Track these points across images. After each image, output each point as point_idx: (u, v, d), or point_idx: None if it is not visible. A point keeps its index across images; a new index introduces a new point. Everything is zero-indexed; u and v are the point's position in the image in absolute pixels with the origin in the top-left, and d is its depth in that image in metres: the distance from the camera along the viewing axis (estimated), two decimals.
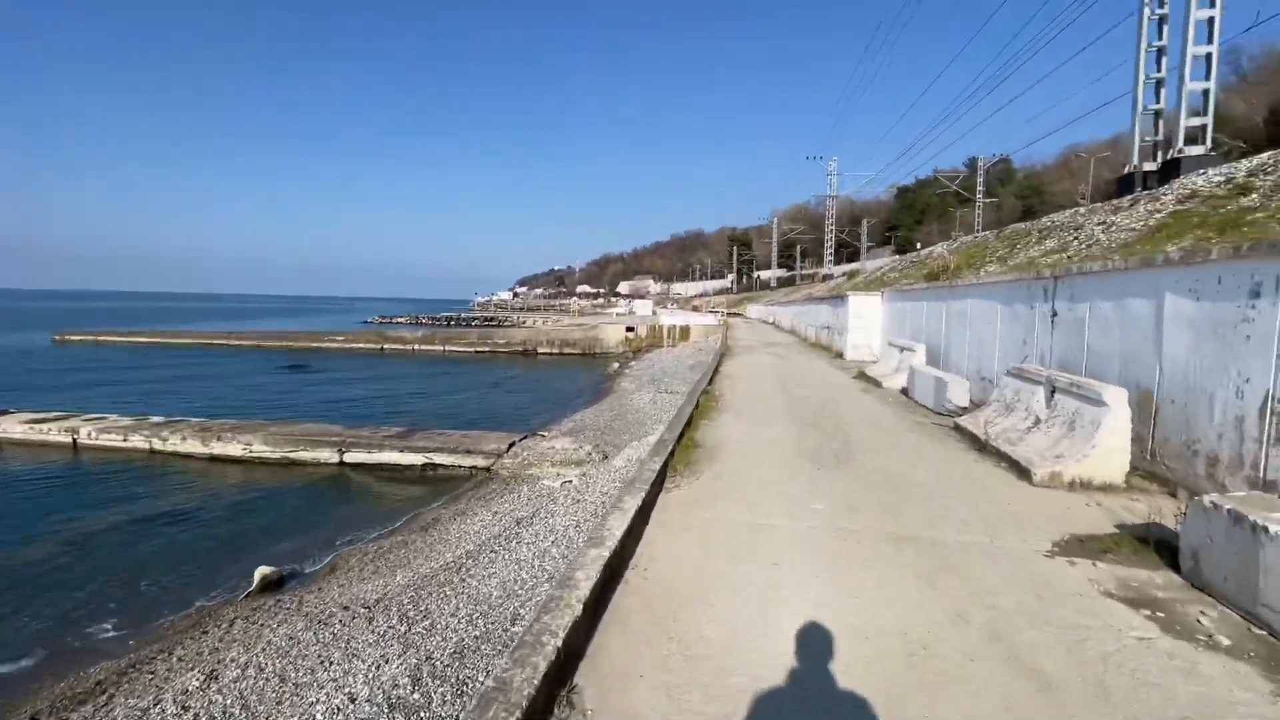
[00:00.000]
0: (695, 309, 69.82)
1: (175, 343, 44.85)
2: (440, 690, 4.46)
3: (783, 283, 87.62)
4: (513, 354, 40.32)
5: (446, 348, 41.86)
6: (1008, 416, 7.42)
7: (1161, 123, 17.77)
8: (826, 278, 61.00)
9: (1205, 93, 16.32)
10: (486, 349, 41.30)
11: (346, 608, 6.37)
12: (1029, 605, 3.48)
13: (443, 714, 4.19)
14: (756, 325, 45.87)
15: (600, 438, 13.47)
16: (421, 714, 4.23)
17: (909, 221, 75.73)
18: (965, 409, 9.22)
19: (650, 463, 6.00)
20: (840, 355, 18.79)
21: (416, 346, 42.42)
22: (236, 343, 44.24)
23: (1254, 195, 9.99)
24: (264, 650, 5.69)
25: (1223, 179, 11.68)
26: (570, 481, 10.07)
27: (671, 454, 6.69)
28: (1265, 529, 3.16)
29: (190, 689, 5.24)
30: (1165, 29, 17.45)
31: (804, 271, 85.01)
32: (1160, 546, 4.14)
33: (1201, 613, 3.36)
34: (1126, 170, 18.20)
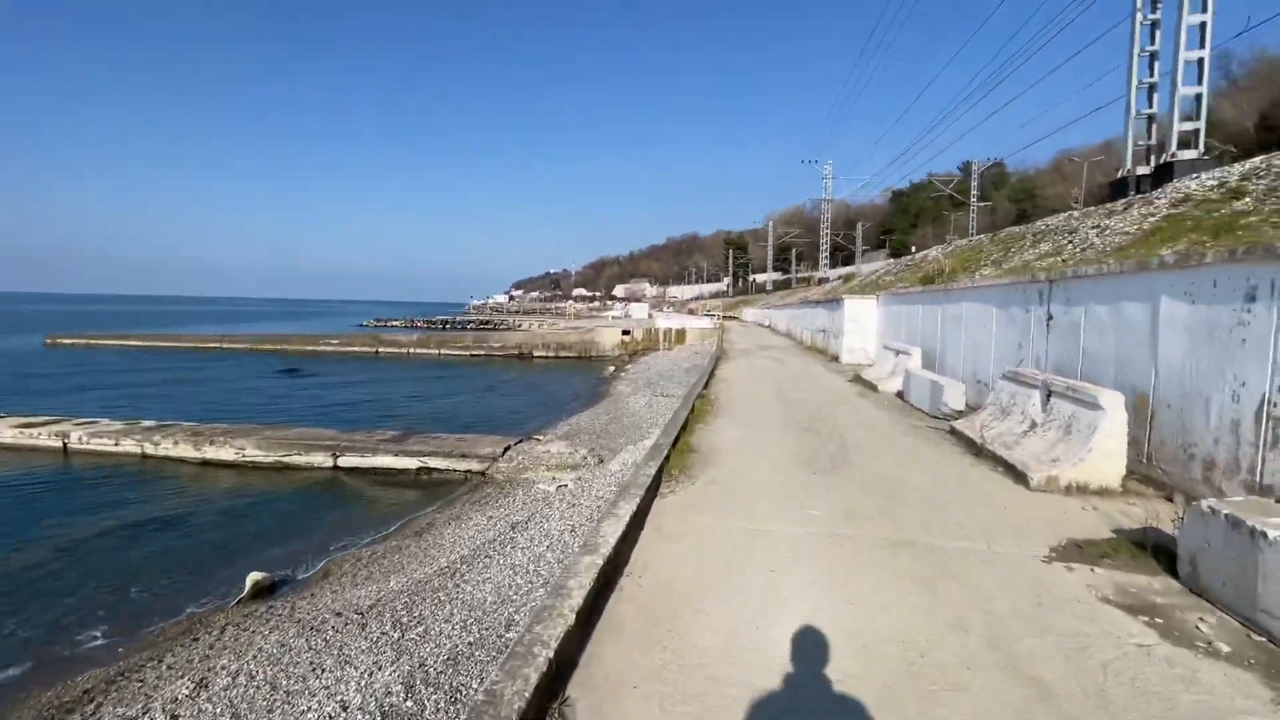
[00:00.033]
0: (691, 312, 69.85)
1: (168, 346, 44.58)
2: (434, 698, 4.41)
3: (778, 286, 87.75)
4: (508, 357, 40.23)
5: (442, 351, 41.74)
6: (1003, 420, 7.41)
7: (1154, 127, 17.86)
8: (822, 281, 61.13)
9: (1198, 97, 16.40)
10: (482, 352, 41.20)
11: (339, 614, 6.31)
12: (1027, 612, 3.45)
13: None
14: (752, 328, 45.89)
15: (596, 441, 13.42)
16: None
17: (904, 225, 76.02)
18: (961, 413, 9.21)
19: (645, 468, 5.97)
20: (836, 359, 18.79)
21: (411, 350, 42.28)
22: (230, 346, 43.99)
23: (1247, 199, 10.02)
24: (255, 658, 5.63)
25: (1216, 183, 11.73)
26: (565, 486, 10.02)
27: (667, 459, 6.66)
28: (1264, 534, 3.14)
29: (180, 697, 5.17)
30: (1158, 34, 17.55)
31: (799, 275, 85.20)
32: (1158, 551, 4.12)
33: (1200, 619, 3.33)
34: (1120, 174, 18.28)
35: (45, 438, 14.28)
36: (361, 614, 6.18)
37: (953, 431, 8.27)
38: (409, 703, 4.38)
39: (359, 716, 4.32)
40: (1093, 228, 13.80)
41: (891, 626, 3.29)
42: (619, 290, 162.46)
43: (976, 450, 7.22)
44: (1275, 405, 4.45)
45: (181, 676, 5.61)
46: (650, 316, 55.02)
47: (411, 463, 12.37)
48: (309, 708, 4.60)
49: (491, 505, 9.86)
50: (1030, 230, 18.61)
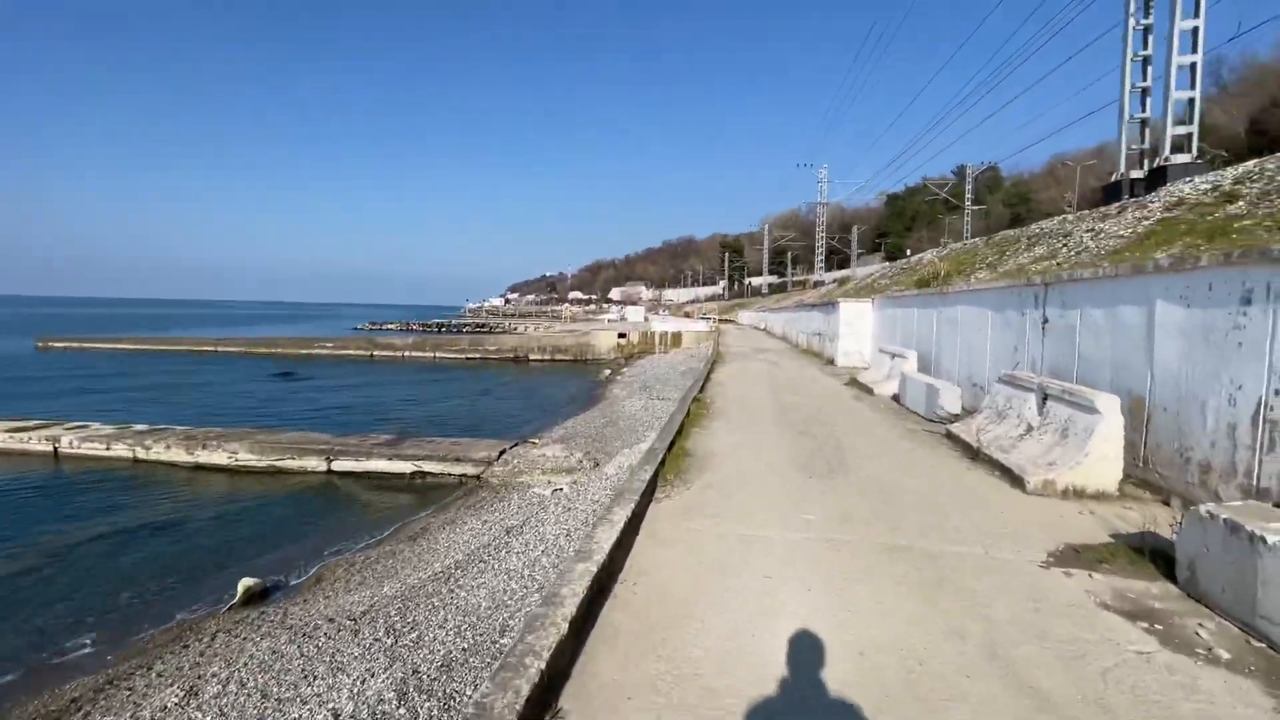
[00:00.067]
0: (687, 315, 69.89)
1: (161, 349, 44.34)
2: (427, 705, 4.35)
3: (774, 289, 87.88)
4: (504, 360, 40.14)
5: (437, 354, 41.63)
6: (1000, 424, 7.40)
7: (1148, 131, 17.95)
8: (818, 284, 61.24)
9: (1190, 101, 16.48)
10: (477, 355, 41.10)
11: (332, 620, 6.25)
12: (1026, 618, 3.42)
13: None
14: (748, 331, 45.92)
15: (591, 445, 13.37)
16: None
17: (899, 228, 76.29)
18: (957, 416, 9.20)
19: (640, 472, 5.93)
20: (832, 362, 18.79)
21: (407, 353, 42.16)
22: (224, 349, 43.78)
23: (1241, 203, 10.04)
24: (246, 665, 5.56)
25: (1209, 186, 11.76)
26: (561, 489, 9.97)
27: (662, 463, 6.62)
28: (1263, 539, 3.12)
29: (169, 705, 5.10)
30: (1150, 39, 17.64)
31: (795, 278, 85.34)
32: (1156, 556, 4.10)
33: (1200, 624, 3.31)
34: (1114, 178, 18.34)
35: (35, 442, 14.15)
36: (354, 620, 6.12)
37: (949, 435, 8.26)
38: (402, 710, 4.33)
39: None
40: (1087, 231, 13.84)
41: (889, 634, 3.26)
42: (615, 293, 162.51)
43: (973, 454, 7.20)
44: (1272, 409, 4.43)
45: (171, 684, 5.54)
46: (646, 320, 55.02)
47: (406, 467, 12.30)
48: (300, 716, 4.54)
49: (486, 509, 9.80)
50: (1025, 233, 18.65)
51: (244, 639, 6.31)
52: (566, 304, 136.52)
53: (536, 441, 13.80)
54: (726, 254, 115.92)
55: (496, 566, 6.80)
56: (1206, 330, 5.13)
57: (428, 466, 12.21)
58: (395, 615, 6.02)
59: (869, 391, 12.55)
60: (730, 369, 17.73)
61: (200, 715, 4.86)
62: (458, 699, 4.36)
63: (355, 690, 4.78)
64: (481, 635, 5.26)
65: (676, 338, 39.70)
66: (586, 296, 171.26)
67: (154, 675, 5.86)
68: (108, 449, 13.75)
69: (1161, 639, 3.19)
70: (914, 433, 8.77)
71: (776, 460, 7.17)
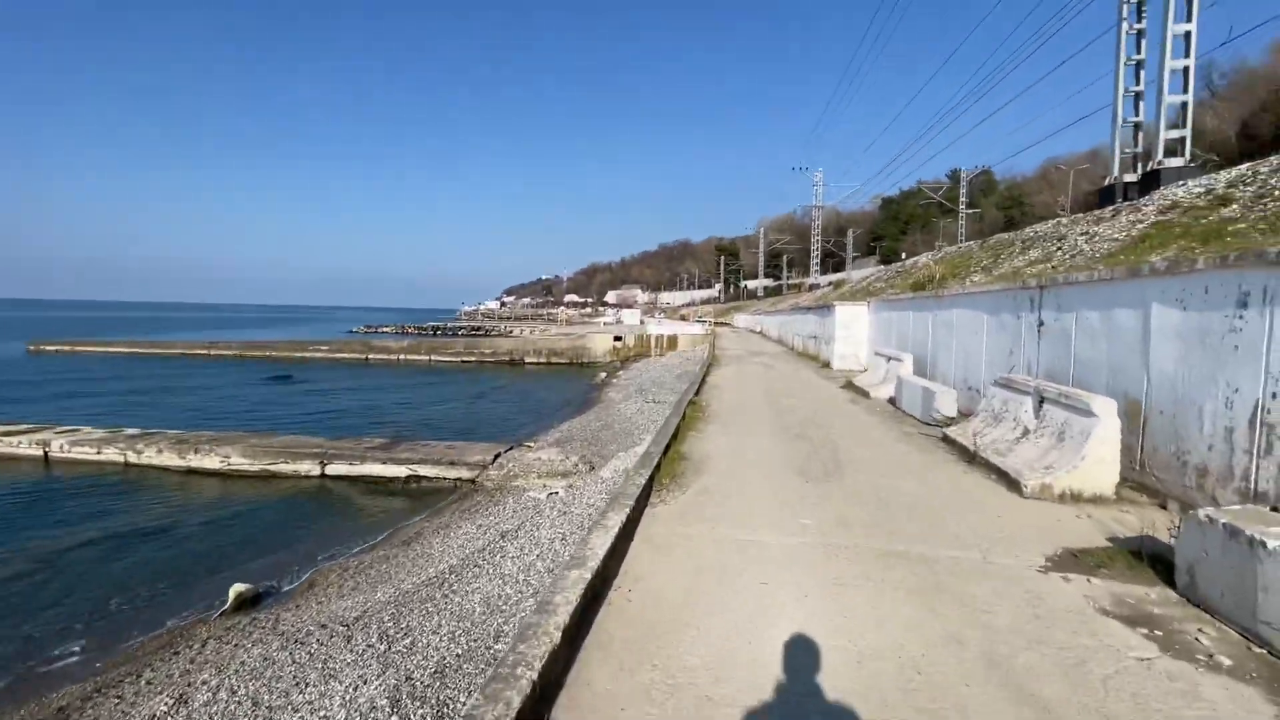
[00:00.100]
0: (683, 318, 69.92)
1: (154, 353, 44.10)
2: (420, 712, 4.30)
3: (770, 292, 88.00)
4: (499, 364, 40.06)
5: (433, 358, 41.52)
6: (996, 427, 7.38)
7: (1141, 135, 18.02)
8: (813, 287, 61.33)
9: (1183, 106, 16.56)
10: (473, 359, 41.00)
11: (324, 626, 6.18)
12: (1025, 625, 3.38)
13: None
14: (744, 334, 45.93)
15: (587, 448, 13.32)
16: None
17: (893, 232, 76.49)
18: (953, 419, 9.19)
19: (635, 477, 5.88)
20: (827, 365, 18.78)
21: (402, 356, 42.04)
22: (218, 353, 43.56)
23: (1234, 206, 10.09)
24: (237, 672, 5.50)
25: (1203, 190, 11.81)
26: (556, 493, 9.92)
27: (657, 467, 6.58)
28: (1263, 544, 3.09)
29: (158, 714, 5.04)
30: (1143, 43, 17.74)
31: (790, 281, 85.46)
32: (1154, 561, 4.08)
33: (1200, 630, 3.28)
34: (1107, 181, 18.40)
35: (26, 446, 14.03)
36: (347, 626, 6.06)
37: (945, 438, 8.24)
38: (394, 718, 4.27)
39: None
40: (1081, 234, 13.88)
41: (887, 641, 3.22)
42: (611, 296, 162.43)
43: (969, 457, 7.18)
44: (1269, 412, 4.42)
45: (161, 692, 5.47)
46: (642, 323, 55.02)
47: (400, 470, 12.22)
48: None
49: (481, 513, 9.74)
50: (1019, 237, 18.71)
51: (235, 645, 6.25)
52: (562, 307, 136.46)
53: (532, 445, 13.74)
54: (722, 257, 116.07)
55: (491, 571, 6.75)
56: (1203, 333, 5.12)
57: (422, 470, 12.14)
58: (389, 621, 5.97)
59: (865, 395, 12.54)
60: (726, 372, 17.71)
61: None
62: (451, 706, 4.30)
63: (347, 698, 4.72)
64: (476, 641, 5.21)
65: (672, 341, 39.68)
66: (582, 300, 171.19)
67: (143, 683, 5.79)
68: (99, 453, 13.64)
69: (1162, 645, 3.16)
70: (910, 436, 8.74)
71: (772, 464, 7.14)
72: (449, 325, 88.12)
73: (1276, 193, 9.70)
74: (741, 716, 2.63)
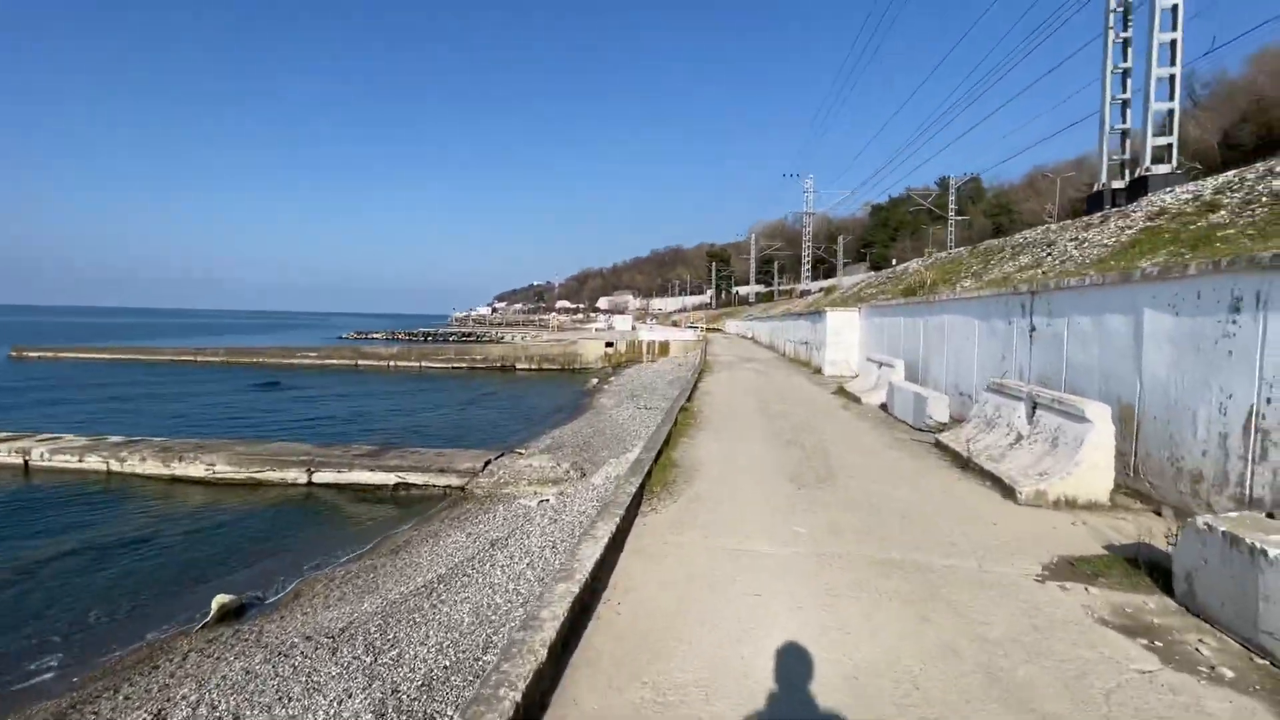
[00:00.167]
0: (675, 324, 69.97)
1: (140, 359, 43.60)
2: None
3: (761, 298, 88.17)
4: (490, 370, 39.88)
5: (423, 364, 41.27)
6: (989, 433, 7.35)
7: (1128, 142, 18.19)
8: (804, 293, 61.52)
9: (1170, 113, 16.73)
10: (464, 365, 40.79)
11: (309, 638, 6.05)
12: (1023, 636, 3.31)
13: None
14: (735, 340, 45.96)
15: (579, 455, 13.22)
16: None
17: (883, 238, 76.90)
18: (945, 425, 9.16)
19: (626, 485, 5.80)
20: (819, 371, 18.76)
21: (392, 363, 41.77)
22: (205, 359, 43.14)
23: (1222, 212, 10.15)
24: (218, 686, 5.37)
25: (1190, 196, 11.89)
26: (547, 500, 9.81)
27: (649, 475, 6.49)
28: (1264, 552, 3.04)
29: None
30: (1130, 51, 17.92)
31: (782, 287, 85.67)
32: (1152, 569, 4.02)
33: (1200, 641, 3.22)
34: (1095, 188, 18.54)
35: (5, 454, 13.76)
36: (333, 638, 5.93)
37: (938, 444, 8.20)
38: None
39: None
40: (1071, 240, 13.95)
41: (882, 655, 3.14)
42: (602, 302, 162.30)
43: (963, 463, 7.14)
44: (1263, 417, 4.40)
45: (138, 708, 5.33)
46: (634, 329, 54.97)
47: (389, 478, 12.06)
48: None
49: (471, 521, 9.62)
50: (1009, 243, 18.81)
51: (217, 659, 6.10)
52: (554, 313, 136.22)
53: (523, 451, 13.62)
54: (714, 263, 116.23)
55: (480, 580, 6.64)
56: (1196, 338, 5.10)
57: (411, 478, 11.99)
58: (375, 632, 5.85)
59: (857, 400, 12.51)
60: (718, 378, 17.65)
61: None
62: None
63: (332, 712, 4.61)
64: (464, 652, 5.10)
65: (664, 347, 39.65)
66: (574, 305, 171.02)
67: (120, 698, 5.64)
68: (80, 461, 13.40)
69: (1163, 657, 3.09)
70: (903, 442, 8.70)
71: (765, 471, 7.07)
72: (440, 331, 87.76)
73: (1264, 199, 9.77)
74: None
